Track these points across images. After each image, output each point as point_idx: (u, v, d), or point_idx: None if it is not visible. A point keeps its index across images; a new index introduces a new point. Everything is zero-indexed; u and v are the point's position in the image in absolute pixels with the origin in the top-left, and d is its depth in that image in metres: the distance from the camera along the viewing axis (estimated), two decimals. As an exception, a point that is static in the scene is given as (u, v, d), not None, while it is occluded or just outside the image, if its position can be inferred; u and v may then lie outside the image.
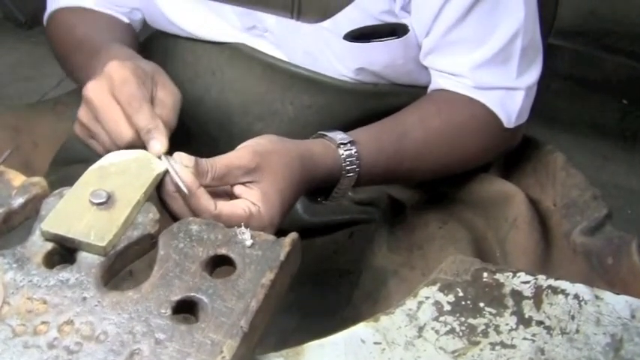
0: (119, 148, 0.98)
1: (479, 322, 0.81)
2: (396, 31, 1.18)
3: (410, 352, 0.79)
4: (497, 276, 0.86)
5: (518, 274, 0.86)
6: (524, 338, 0.80)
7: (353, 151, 1.09)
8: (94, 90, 0.99)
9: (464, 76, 1.20)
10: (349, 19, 1.16)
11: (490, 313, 0.82)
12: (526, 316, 0.82)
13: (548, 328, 0.81)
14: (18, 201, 0.90)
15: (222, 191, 0.98)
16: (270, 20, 1.21)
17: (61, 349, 0.75)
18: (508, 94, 1.21)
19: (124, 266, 0.87)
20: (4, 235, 0.89)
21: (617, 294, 0.83)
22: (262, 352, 0.81)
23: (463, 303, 0.83)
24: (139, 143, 0.98)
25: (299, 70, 1.24)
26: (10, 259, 0.82)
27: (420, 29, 1.18)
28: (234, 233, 0.86)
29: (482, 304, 0.83)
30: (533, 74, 1.23)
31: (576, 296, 0.84)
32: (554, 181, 1.23)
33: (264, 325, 0.80)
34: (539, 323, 0.81)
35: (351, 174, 1.09)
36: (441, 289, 0.84)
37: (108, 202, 0.87)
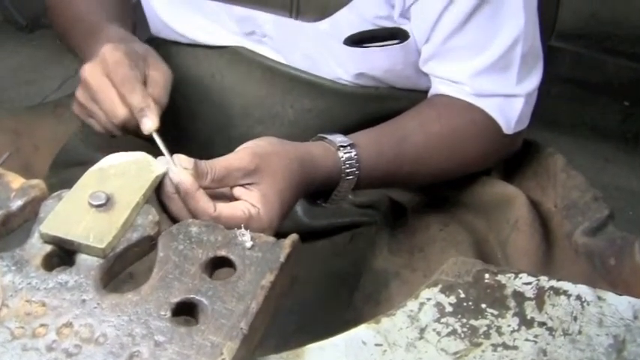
0: (115, 125, 1.06)
1: (481, 323, 0.81)
2: (396, 36, 1.18)
3: (411, 353, 0.78)
4: (499, 277, 0.85)
5: (520, 276, 0.85)
6: (527, 339, 0.79)
7: (353, 154, 1.09)
8: (89, 72, 1.06)
9: (463, 83, 1.19)
10: (348, 23, 1.16)
11: (492, 315, 0.82)
12: (528, 317, 0.81)
13: (551, 330, 0.80)
14: (17, 203, 0.89)
15: (220, 194, 0.98)
16: (269, 25, 1.20)
17: (60, 352, 0.75)
18: (507, 100, 1.20)
19: (123, 268, 0.86)
20: (3, 238, 0.89)
21: (620, 295, 0.83)
22: (262, 354, 0.80)
23: (465, 304, 0.82)
24: (132, 121, 1.04)
25: (299, 73, 1.24)
26: (8, 261, 0.82)
27: (419, 36, 1.18)
28: (234, 235, 0.86)
29: (484, 306, 0.82)
30: (533, 81, 1.22)
31: (578, 297, 0.83)
32: (555, 183, 1.23)
33: (264, 327, 0.80)
34: (542, 324, 0.81)
35: (350, 177, 1.09)
36: (442, 291, 0.84)
37: (107, 204, 0.87)
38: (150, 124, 1.03)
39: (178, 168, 0.94)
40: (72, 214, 0.86)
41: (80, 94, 1.08)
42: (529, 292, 0.84)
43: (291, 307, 1.16)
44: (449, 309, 0.82)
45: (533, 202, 1.22)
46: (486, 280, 0.85)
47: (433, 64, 1.20)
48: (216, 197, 0.96)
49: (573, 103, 2.65)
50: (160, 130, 1.03)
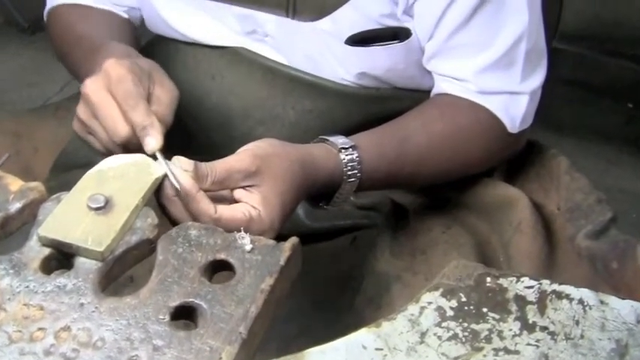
0: (116, 144, 1.00)
1: (482, 327, 0.80)
2: (398, 35, 1.17)
3: (412, 358, 0.78)
4: (501, 281, 0.84)
5: (521, 279, 0.85)
6: (528, 344, 0.79)
7: (354, 156, 1.08)
8: (91, 87, 1.01)
9: (467, 80, 1.19)
10: (350, 22, 1.15)
11: (493, 319, 0.81)
12: (530, 321, 0.81)
13: (553, 334, 0.80)
14: (15, 206, 0.89)
15: (221, 196, 0.97)
16: (270, 25, 1.20)
17: (58, 356, 0.74)
18: (512, 98, 1.20)
19: (122, 272, 0.86)
20: (1, 241, 0.89)
21: (623, 299, 0.82)
22: (263, 358, 0.80)
23: (466, 308, 0.82)
24: (135, 139, 0.99)
25: (300, 74, 1.23)
26: (6, 264, 0.82)
27: (422, 33, 1.17)
28: (233, 238, 0.85)
29: (485, 310, 0.82)
30: (538, 78, 1.21)
31: (581, 301, 0.82)
32: (558, 185, 1.22)
33: (263, 331, 0.79)
34: (544, 329, 0.80)
35: (352, 179, 1.08)
36: (443, 295, 0.83)
37: (106, 206, 0.87)
38: (153, 143, 0.98)
39: (178, 170, 0.94)
40: (70, 217, 0.86)
41: (81, 110, 1.03)
42: (531, 295, 0.83)
43: (293, 310, 1.16)
44: (450, 313, 0.81)
45: (535, 205, 1.22)
46: (488, 284, 0.84)
47: (436, 61, 1.20)
48: (216, 200, 0.95)
49: (576, 104, 2.65)
50: (164, 149, 0.99)
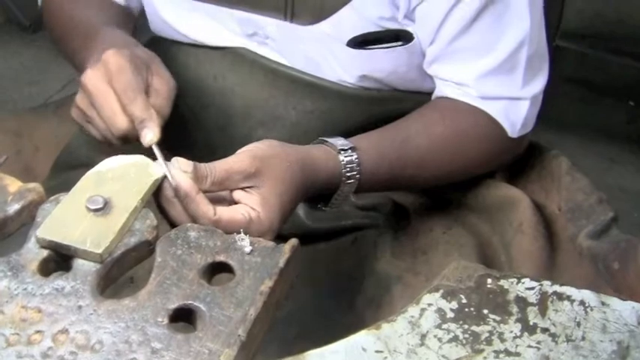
0: (115, 135, 1.02)
1: (482, 329, 0.80)
2: (400, 38, 1.17)
3: (412, 360, 0.77)
4: (502, 282, 0.84)
5: (522, 280, 0.84)
6: (529, 346, 0.78)
7: (354, 158, 1.08)
8: (91, 78, 1.03)
9: (468, 85, 1.18)
10: (351, 25, 1.15)
11: (494, 320, 0.81)
12: (531, 323, 0.80)
13: (554, 336, 0.79)
14: (13, 207, 0.89)
15: (220, 197, 0.97)
16: (271, 27, 1.19)
17: (56, 359, 0.74)
18: (513, 104, 1.19)
19: (121, 274, 0.85)
20: (0, 242, 0.88)
21: (624, 300, 0.82)
22: (264, 359, 0.79)
23: (466, 310, 0.82)
24: (133, 132, 1.01)
25: (301, 75, 1.23)
26: (4, 266, 0.81)
27: (424, 37, 1.17)
28: (233, 240, 0.85)
29: (486, 311, 0.81)
30: (539, 83, 1.21)
31: (582, 302, 0.82)
32: (559, 185, 1.22)
33: (262, 334, 0.79)
34: (545, 330, 0.80)
35: (351, 180, 1.08)
36: (443, 296, 0.83)
37: (105, 208, 0.86)
38: (151, 135, 1.00)
39: (177, 171, 0.93)
40: (69, 219, 0.85)
41: (80, 99, 1.05)
42: (532, 297, 0.83)
43: (293, 311, 1.16)
44: (450, 315, 0.81)
45: (537, 205, 1.22)
46: (488, 285, 0.84)
47: (438, 66, 1.19)
48: (215, 201, 0.95)
49: (578, 103, 2.64)
50: (161, 142, 1.00)
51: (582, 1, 2.53)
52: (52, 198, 0.89)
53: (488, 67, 1.17)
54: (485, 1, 1.11)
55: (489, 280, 0.84)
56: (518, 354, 0.78)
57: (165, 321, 0.77)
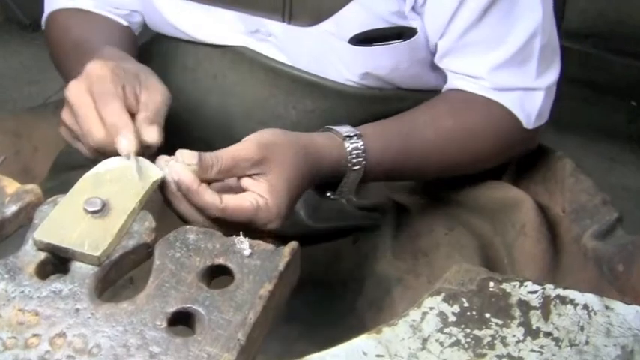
0: (93, 147, 0.97)
1: (485, 333, 0.79)
2: (402, 34, 1.16)
3: (413, 364, 0.77)
4: (504, 285, 0.83)
5: (525, 284, 0.83)
6: (532, 350, 0.78)
7: (359, 144, 1.08)
8: (72, 88, 0.99)
9: (482, 77, 1.18)
10: (357, 21, 1.14)
11: (496, 324, 0.80)
12: (534, 327, 0.80)
13: (557, 340, 0.79)
14: (11, 209, 0.88)
15: (227, 187, 0.97)
16: (274, 24, 1.19)
17: (53, 363, 0.73)
18: (527, 94, 1.19)
19: (119, 276, 0.85)
20: (-3, 244, 0.88)
21: (628, 304, 0.81)
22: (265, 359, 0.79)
23: (468, 313, 0.81)
24: (112, 144, 0.95)
25: (302, 74, 1.22)
26: (1, 269, 0.81)
27: (433, 31, 1.16)
28: (232, 242, 0.84)
29: (488, 315, 0.81)
30: (553, 74, 1.21)
31: (585, 306, 0.81)
32: (563, 187, 1.21)
33: (262, 338, 0.78)
34: (547, 334, 0.79)
35: (357, 167, 1.08)
36: (445, 300, 0.82)
37: (103, 210, 0.86)
38: (125, 143, 0.94)
39: (177, 166, 0.92)
40: (67, 221, 0.85)
41: (65, 115, 1.00)
42: (534, 300, 0.82)
43: (294, 312, 1.15)
44: (452, 318, 0.80)
45: (541, 207, 1.21)
46: (491, 289, 0.83)
47: (450, 59, 1.19)
48: (224, 192, 0.94)
49: (579, 103, 2.64)
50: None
51: (585, 1, 2.52)
52: (50, 200, 0.88)
53: (501, 59, 1.16)
54: None
55: (491, 284, 0.84)
56: (521, 358, 0.77)
57: (164, 324, 0.76)
